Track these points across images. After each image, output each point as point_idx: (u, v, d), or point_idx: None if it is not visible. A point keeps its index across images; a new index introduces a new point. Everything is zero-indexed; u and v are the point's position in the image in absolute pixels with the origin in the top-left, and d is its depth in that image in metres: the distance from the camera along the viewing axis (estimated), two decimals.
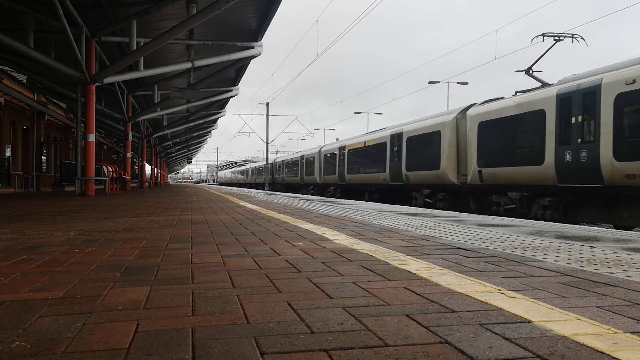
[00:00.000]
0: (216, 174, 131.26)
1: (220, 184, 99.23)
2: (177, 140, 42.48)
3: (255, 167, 58.22)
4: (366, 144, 22.17)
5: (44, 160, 26.68)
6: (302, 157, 34.43)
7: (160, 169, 53.31)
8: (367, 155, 21.90)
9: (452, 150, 15.22)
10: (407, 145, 17.93)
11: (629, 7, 12.72)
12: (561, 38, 13.02)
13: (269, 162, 45.71)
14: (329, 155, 28.06)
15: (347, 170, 24.49)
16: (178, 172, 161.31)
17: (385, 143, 19.93)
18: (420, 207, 16.23)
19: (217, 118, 34.67)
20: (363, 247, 3.17)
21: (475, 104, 14.79)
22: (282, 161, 41.83)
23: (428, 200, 16.88)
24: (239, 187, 56.24)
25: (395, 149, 18.86)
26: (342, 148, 25.61)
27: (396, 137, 18.91)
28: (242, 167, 72.63)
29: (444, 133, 15.53)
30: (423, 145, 16.87)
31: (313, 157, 31.18)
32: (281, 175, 41.28)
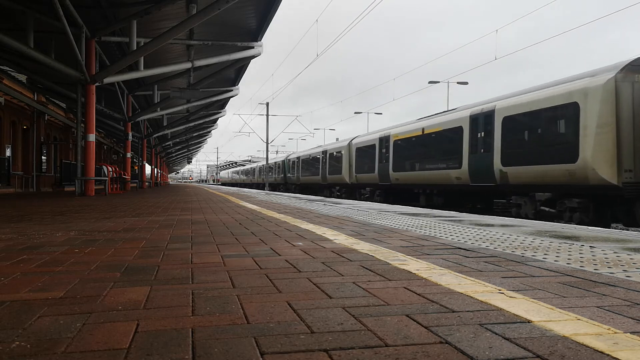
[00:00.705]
0: (217, 173, 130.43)
1: (223, 184, 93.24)
2: (177, 140, 42.48)
3: (263, 165, 50.53)
4: (425, 131, 16.51)
5: (44, 160, 26.68)
6: (324, 152, 28.18)
7: (160, 169, 53.31)
8: (427, 146, 16.37)
9: (604, 131, 9.81)
10: (505, 128, 12.49)
11: (630, 7, 12.73)
12: None
13: (282, 159, 39.80)
14: (364, 148, 22.13)
15: (393, 167, 18.79)
16: (178, 172, 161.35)
17: (460, 128, 14.46)
18: (529, 218, 11.81)
19: (217, 118, 34.67)
20: (363, 247, 3.17)
21: None
22: (298, 158, 34.94)
23: (546, 208, 11.50)
24: (245, 188, 48.71)
25: (480, 135, 13.46)
26: (384, 139, 19.81)
27: (482, 119, 13.47)
28: (248, 166, 64.86)
29: (586, 105, 10.12)
30: (538, 126, 11.44)
31: (340, 152, 25.19)
32: (296, 175, 34.79)
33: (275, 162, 42.71)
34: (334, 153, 26.30)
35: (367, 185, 21.96)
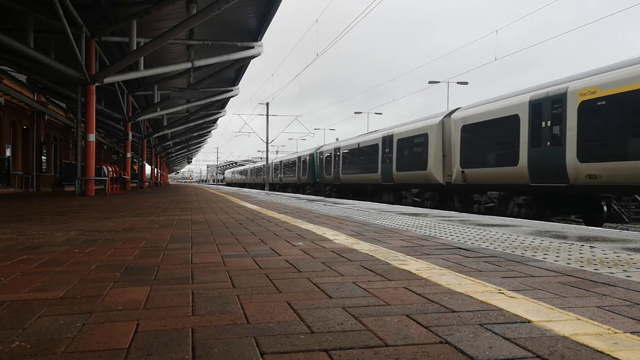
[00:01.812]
0: (217, 173, 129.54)
1: (229, 184, 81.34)
2: (177, 140, 42.47)
3: (283, 161, 39.38)
4: None
5: (44, 160, 26.68)
6: (387, 137, 19.31)
7: (160, 169, 53.29)
8: None
9: None
10: None
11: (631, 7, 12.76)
12: None
13: (310, 152, 31.62)
14: (484, 124, 13.51)
15: (580, 153, 10.38)
16: (178, 172, 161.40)
17: None
18: None
19: (217, 118, 34.66)
20: (363, 247, 3.17)
21: None
22: (337, 149, 25.80)
23: None
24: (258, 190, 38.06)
25: None
26: (546, 103, 11.44)
27: None
28: (260, 164, 54.25)
29: None
30: None
31: (422, 135, 16.55)
32: (334, 172, 25.88)
33: (298, 157, 33.61)
34: (408, 138, 17.50)
35: (492, 187, 13.22)
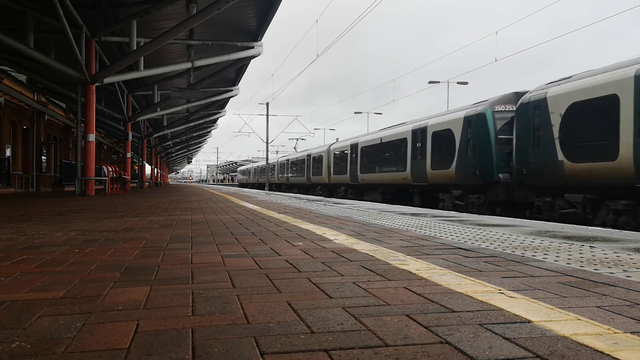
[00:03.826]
0: (217, 173, 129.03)
1: (243, 186, 63.74)
2: (177, 140, 42.47)
3: (361, 144, 22.32)
4: None
5: (44, 160, 26.67)
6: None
7: (160, 169, 53.28)
8: None
9: None
10: None
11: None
12: None
13: (458, 116, 14.03)
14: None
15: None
16: (178, 172, 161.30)
17: None
18: None
19: (217, 118, 34.65)
20: (363, 247, 3.17)
21: None
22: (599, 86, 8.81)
23: None
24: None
25: None
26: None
27: None
28: (297, 155, 35.44)
29: None
30: None
31: None
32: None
33: (414, 131, 17.52)
34: None
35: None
